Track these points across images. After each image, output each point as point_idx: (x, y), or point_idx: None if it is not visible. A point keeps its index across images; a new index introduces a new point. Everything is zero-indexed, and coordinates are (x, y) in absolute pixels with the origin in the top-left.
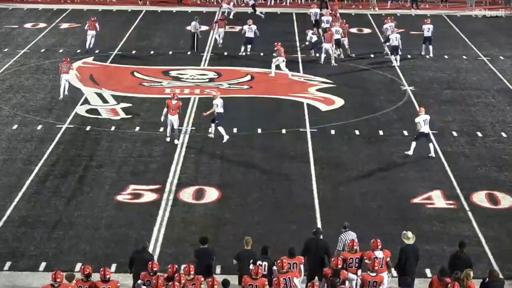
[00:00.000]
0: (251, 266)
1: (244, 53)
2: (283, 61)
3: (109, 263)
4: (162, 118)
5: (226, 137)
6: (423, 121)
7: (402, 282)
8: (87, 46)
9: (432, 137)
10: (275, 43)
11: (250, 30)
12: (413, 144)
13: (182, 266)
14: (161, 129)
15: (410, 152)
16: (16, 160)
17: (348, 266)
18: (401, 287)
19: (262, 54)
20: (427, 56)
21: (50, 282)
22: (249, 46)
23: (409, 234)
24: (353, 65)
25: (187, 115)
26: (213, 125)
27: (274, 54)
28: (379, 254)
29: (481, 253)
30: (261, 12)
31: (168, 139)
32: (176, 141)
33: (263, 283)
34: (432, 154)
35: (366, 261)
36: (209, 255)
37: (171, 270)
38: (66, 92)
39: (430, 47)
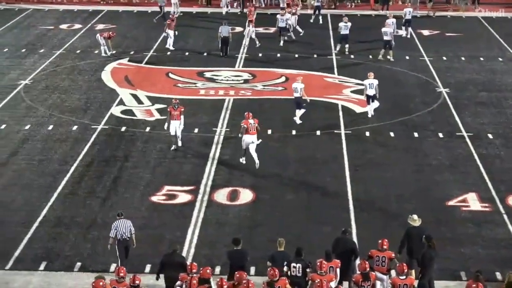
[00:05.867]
0: (284, 268)
1: (338, 51)
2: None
3: (143, 264)
4: (166, 126)
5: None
6: (368, 85)
7: None
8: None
9: (376, 102)
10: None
11: (346, 27)
12: (368, 106)
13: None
14: (196, 130)
15: (367, 109)
16: (51, 160)
17: (375, 265)
18: None
19: (296, 56)
20: (408, 37)
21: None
22: (347, 46)
23: (415, 216)
24: (388, 66)
25: (222, 117)
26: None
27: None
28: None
29: None
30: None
31: (174, 147)
32: (173, 147)
33: (285, 283)
34: (370, 114)
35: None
36: (242, 256)
37: (203, 271)
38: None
39: (410, 28)
